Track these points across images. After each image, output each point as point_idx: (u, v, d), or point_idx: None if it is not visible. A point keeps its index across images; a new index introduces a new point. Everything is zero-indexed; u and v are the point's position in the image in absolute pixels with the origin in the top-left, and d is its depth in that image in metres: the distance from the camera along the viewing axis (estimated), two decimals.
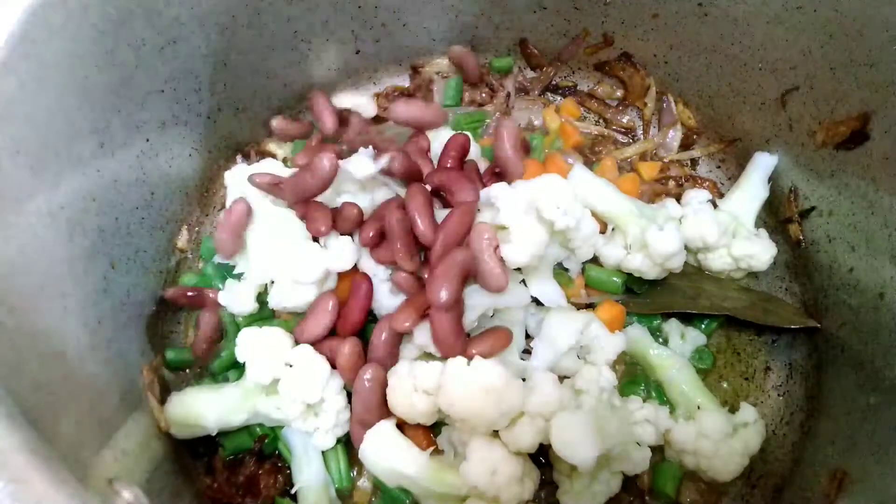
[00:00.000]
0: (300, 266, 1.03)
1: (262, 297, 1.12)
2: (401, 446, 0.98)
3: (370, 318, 1.06)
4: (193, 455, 1.08)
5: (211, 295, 1.13)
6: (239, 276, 1.14)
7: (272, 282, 1.08)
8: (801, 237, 1.20)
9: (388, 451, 0.97)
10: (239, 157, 1.32)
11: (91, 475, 0.64)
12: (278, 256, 1.06)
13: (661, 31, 1.26)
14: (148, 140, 1.08)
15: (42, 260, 0.83)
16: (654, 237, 1.07)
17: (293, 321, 1.10)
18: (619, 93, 1.39)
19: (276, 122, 1.32)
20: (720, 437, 1.04)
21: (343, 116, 1.30)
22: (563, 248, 1.10)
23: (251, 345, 1.01)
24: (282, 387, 1.00)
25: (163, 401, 1.04)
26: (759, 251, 1.15)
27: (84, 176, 0.93)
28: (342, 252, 1.03)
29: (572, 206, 1.03)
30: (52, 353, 0.79)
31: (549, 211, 1.01)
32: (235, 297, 1.11)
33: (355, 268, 1.07)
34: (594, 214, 1.11)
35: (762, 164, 1.23)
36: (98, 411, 0.84)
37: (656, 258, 1.09)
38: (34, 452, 0.59)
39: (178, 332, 1.18)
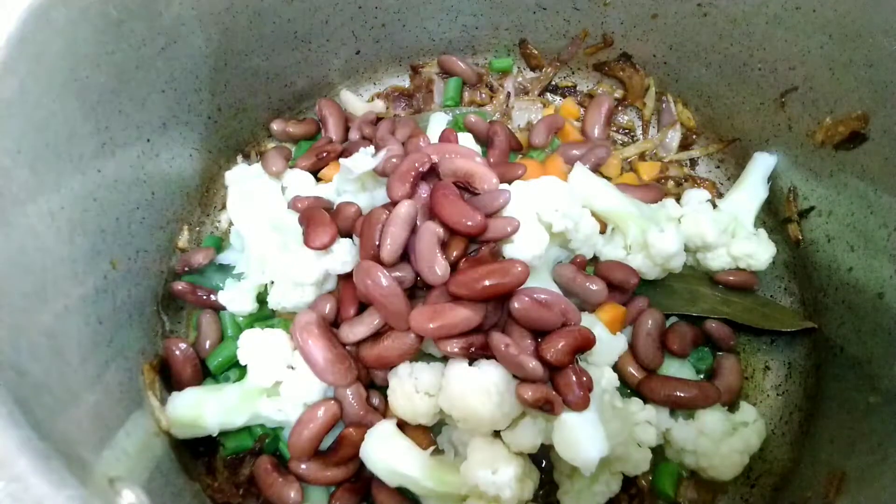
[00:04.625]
0: (300, 267, 1.03)
1: (261, 297, 1.12)
2: (401, 447, 0.98)
3: None
4: (194, 454, 1.08)
5: (213, 297, 1.13)
6: (239, 276, 1.14)
7: (272, 282, 1.08)
8: (800, 237, 1.20)
9: (388, 452, 0.97)
10: (239, 158, 1.32)
11: (92, 475, 0.64)
12: (278, 257, 1.06)
13: (661, 32, 1.26)
14: (148, 140, 1.08)
15: (43, 260, 0.83)
16: (654, 238, 1.08)
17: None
18: (619, 93, 1.39)
19: (276, 125, 1.32)
20: (720, 436, 1.05)
21: (345, 117, 1.31)
22: (562, 249, 1.10)
23: (253, 347, 1.01)
24: (283, 389, 1.00)
25: (163, 400, 1.04)
26: (758, 250, 1.15)
27: (84, 176, 0.93)
28: (341, 254, 1.04)
29: (570, 207, 1.03)
30: (52, 352, 0.79)
31: (547, 213, 1.01)
32: (235, 297, 1.11)
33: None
34: (594, 214, 1.11)
35: (762, 164, 1.23)
36: (98, 411, 0.84)
37: (657, 259, 1.09)
38: (35, 452, 0.59)
39: (179, 331, 1.18)
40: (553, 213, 1.02)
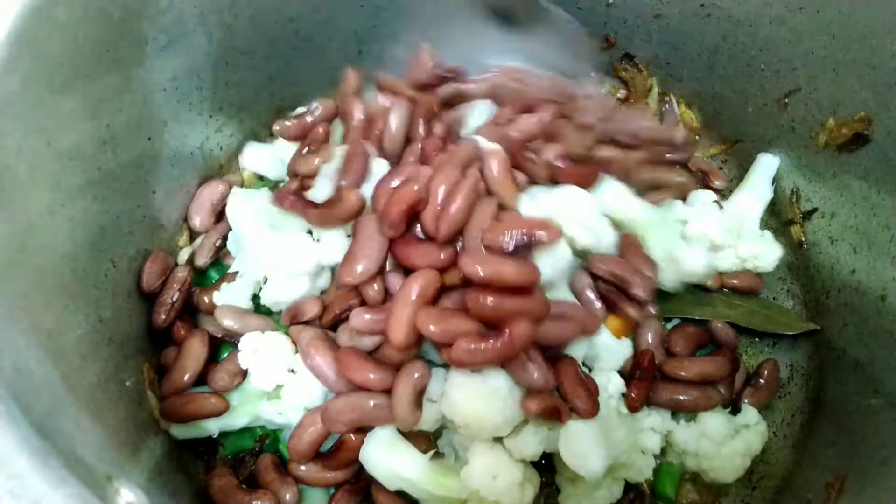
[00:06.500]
0: (293, 256, 1.02)
1: (257, 299, 1.10)
2: (401, 450, 0.96)
3: None
4: (193, 454, 1.07)
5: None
6: (234, 275, 1.12)
7: (265, 279, 1.07)
8: (802, 239, 1.20)
9: (388, 456, 0.96)
10: (239, 157, 1.31)
11: (91, 473, 0.64)
12: (272, 248, 1.04)
13: (664, 32, 1.26)
14: (150, 139, 1.08)
15: (43, 257, 0.83)
16: (682, 253, 1.08)
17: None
18: (622, 94, 1.39)
19: (278, 126, 1.32)
20: (722, 438, 1.04)
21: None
22: (578, 258, 1.07)
23: (254, 351, 1.00)
24: (284, 393, 1.00)
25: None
26: (765, 251, 1.15)
27: (85, 174, 0.93)
28: (335, 246, 1.03)
29: (594, 221, 1.01)
30: (52, 350, 0.79)
31: (570, 227, 0.99)
32: (229, 298, 1.08)
33: None
34: (615, 223, 1.10)
35: (766, 166, 1.22)
36: (97, 409, 0.83)
37: (682, 275, 1.09)
38: (33, 450, 0.58)
39: None
40: (576, 227, 0.99)
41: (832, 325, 1.12)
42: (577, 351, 1.00)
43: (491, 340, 0.87)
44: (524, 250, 0.93)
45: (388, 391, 0.94)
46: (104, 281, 0.98)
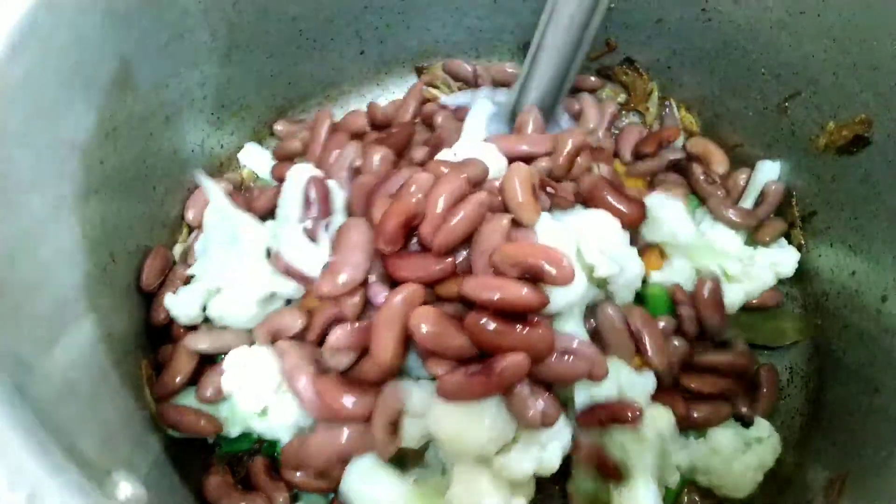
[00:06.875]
0: (246, 279, 0.99)
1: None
2: (382, 479, 0.92)
3: None
4: (190, 452, 1.06)
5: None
6: (189, 279, 1.08)
7: (218, 290, 1.02)
8: (802, 242, 1.20)
9: (368, 487, 0.92)
10: (240, 155, 1.31)
11: (89, 464, 0.62)
12: (230, 263, 1.02)
13: (665, 37, 1.27)
14: (152, 134, 1.08)
15: (44, 247, 0.82)
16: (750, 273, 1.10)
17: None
18: (622, 98, 1.39)
19: (280, 126, 1.32)
20: (732, 452, 1.03)
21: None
22: (598, 289, 1.00)
23: (238, 373, 0.97)
24: (272, 413, 0.98)
25: None
26: (784, 257, 1.16)
27: (87, 166, 0.92)
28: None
29: (620, 248, 0.96)
30: (50, 341, 0.78)
31: (592, 254, 0.93)
32: (179, 302, 1.04)
33: None
34: (656, 246, 1.09)
35: (767, 173, 1.22)
36: (97, 404, 0.83)
37: (746, 294, 1.10)
38: (32, 438, 0.58)
39: None
40: (598, 255, 0.92)
41: (832, 326, 1.12)
42: (602, 391, 0.94)
43: (480, 375, 0.83)
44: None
45: (367, 418, 0.89)
46: (103, 275, 0.97)
